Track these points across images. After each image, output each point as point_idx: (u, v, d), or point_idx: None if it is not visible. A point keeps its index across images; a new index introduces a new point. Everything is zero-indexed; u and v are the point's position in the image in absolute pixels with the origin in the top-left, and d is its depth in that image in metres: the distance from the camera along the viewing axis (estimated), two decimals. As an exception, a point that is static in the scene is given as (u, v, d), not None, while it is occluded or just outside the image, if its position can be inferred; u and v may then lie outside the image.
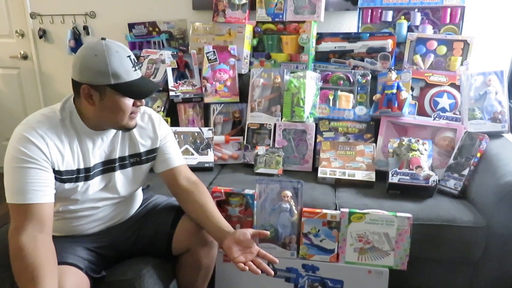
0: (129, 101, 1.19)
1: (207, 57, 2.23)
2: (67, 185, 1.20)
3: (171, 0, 2.51)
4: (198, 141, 2.10)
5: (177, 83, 2.26)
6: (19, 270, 1.06)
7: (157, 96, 2.28)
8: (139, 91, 1.19)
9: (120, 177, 1.32)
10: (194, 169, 1.94)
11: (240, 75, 2.28)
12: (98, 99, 1.16)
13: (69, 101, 1.22)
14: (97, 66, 1.13)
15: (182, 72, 2.31)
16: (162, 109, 2.25)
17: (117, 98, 1.16)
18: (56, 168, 1.16)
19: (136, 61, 1.20)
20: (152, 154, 1.38)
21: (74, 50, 2.62)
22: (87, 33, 2.63)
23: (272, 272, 1.22)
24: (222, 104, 2.24)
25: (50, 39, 2.73)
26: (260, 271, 1.20)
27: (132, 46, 2.51)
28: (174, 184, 1.40)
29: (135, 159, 1.35)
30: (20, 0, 2.66)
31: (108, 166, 1.29)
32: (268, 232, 1.30)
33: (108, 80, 1.13)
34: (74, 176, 1.21)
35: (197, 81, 2.28)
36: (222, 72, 2.23)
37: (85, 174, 1.23)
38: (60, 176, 1.17)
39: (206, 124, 2.26)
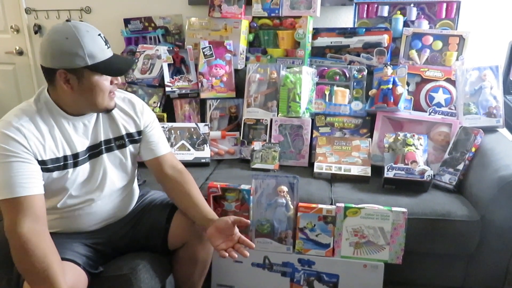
0: (106, 80, 1.19)
1: (203, 52, 2.22)
2: (56, 174, 1.19)
3: (167, -5, 2.50)
4: (195, 137, 2.10)
5: (173, 79, 2.26)
6: (27, 264, 1.06)
7: (153, 91, 2.28)
8: (117, 68, 1.20)
9: (108, 161, 1.32)
10: (191, 164, 1.98)
11: (236, 71, 2.28)
12: (76, 83, 1.15)
13: (43, 92, 1.22)
14: (71, 49, 1.11)
15: (178, 67, 2.31)
16: (158, 105, 2.25)
17: (96, 79, 1.16)
18: (39, 158, 1.15)
19: (106, 39, 1.20)
20: (136, 137, 1.38)
21: (69, 45, 2.61)
22: (83, 29, 2.61)
23: (247, 254, 1.26)
24: (218, 100, 2.24)
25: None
26: (236, 255, 1.25)
27: (128, 42, 2.50)
28: (160, 172, 1.41)
29: (120, 141, 1.34)
30: (15, -5, 2.65)
31: (95, 151, 1.29)
32: (248, 221, 1.32)
33: (85, 61, 1.13)
34: (61, 164, 1.20)
35: (193, 76, 2.28)
36: (218, 68, 2.23)
37: (73, 160, 1.23)
38: (45, 165, 1.16)
39: (203, 119, 2.26)
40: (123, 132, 1.34)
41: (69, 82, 1.15)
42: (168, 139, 2.07)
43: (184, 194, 1.37)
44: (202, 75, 2.22)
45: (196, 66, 2.27)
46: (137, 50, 2.38)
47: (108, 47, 1.18)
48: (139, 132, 1.38)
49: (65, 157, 1.21)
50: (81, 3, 2.59)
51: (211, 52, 2.23)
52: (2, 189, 1.10)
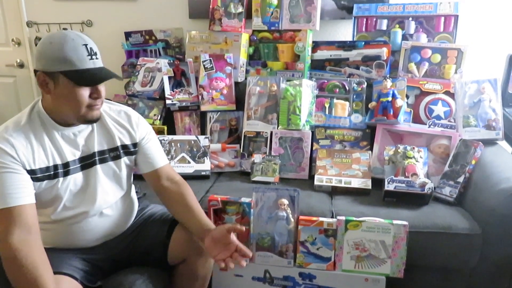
0: (83, 91, 1.17)
1: (204, 65, 2.24)
2: (46, 183, 1.19)
3: (168, 9, 2.52)
4: (195, 149, 2.10)
5: (173, 91, 2.27)
6: (17, 274, 1.06)
7: (153, 104, 2.29)
8: (88, 78, 1.17)
9: (101, 172, 1.31)
10: (191, 177, 1.98)
11: (236, 83, 2.29)
12: (53, 87, 1.16)
13: (37, 103, 1.24)
14: (51, 52, 1.13)
15: (178, 80, 2.32)
16: (159, 118, 2.26)
17: (71, 86, 1.15)
18: (28, 168, 1.15)
19: (95, 50, 1.19)
20: (132, 149, 1.38)
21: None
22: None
23: (244, 264, 1.26)
24: (219, 112, 2.25)
25: (47, 47, 2.72)
26: (232, 265, 1.24)
27: (129, 55, 2.52)
28: (157, 184, 1.42)
29: (115, 153, 1.34)
30: (16, 9, 2.67)
31: (87, 162, 1.28)
32: (243, 228, 1.29)
33: (60, 66, 1.13)
34: (52, 173, 1.20)
35: (194, 89, 2.29)
36: (219, 80, 2.24)
37: (64, 169, 1.23)
38: (34, 175, 1.16)
39: (203, 132, 2.26)
40: (118, 144, 1.34)
41: (47, 85, 1.16)
42: (168, 151, 2.07)
43: (182, 206, 1.38)
44: (202, 87, 2.23)
45: (197, 79, 2.28)
46: (138, 63, 2.40)
47: (91, 59, 1.16)
48: (135, 145, 1.38)
49: (55, 166, 1.21)
50: (83, 16, 2.61)
51: (211, 65, 2.24)
52: None
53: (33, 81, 2.81)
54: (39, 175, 1.18)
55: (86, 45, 1.16)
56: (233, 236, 1.27)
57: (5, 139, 1.13)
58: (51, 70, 1.14)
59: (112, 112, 1.36)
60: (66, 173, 1.23)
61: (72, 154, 1.25)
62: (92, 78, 1.17)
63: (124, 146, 1.36)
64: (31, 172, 1.16)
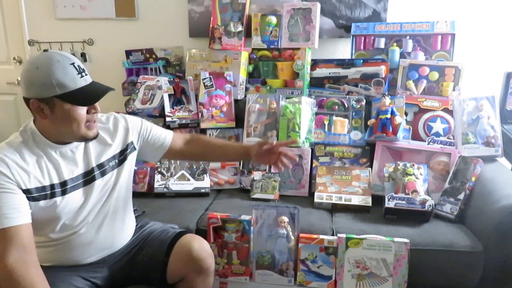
0: (81, 110, 1.17)
1: (204, 83, 2.25)
2: (43, 203, 1.18)
3: (168, 28, 2.56)
4: (194, 167, 2.09)
5: (173, 109, 2.28)
6: None
7: (153, 121, 2.27)
8: (87, 97, 1.17)
9: (102, 185, 1.31)
10: (190, 194, 1.97)
11: (236, 101, 2.30)
12: (49, 112, 1.16)
13: (29, 124, 1.23)
14: (40, 78, 1.12)
15: (178, 98, 2.33)
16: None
17: (68, 108, 1.15)
18: (24, 187, 1.14)
19: (82, 67, 1.18)
20: (127, 151, 1.38)
21: (71, 76, 2.65)
22: (85, 60, 2.65)
23: (296, 158, 1.60)
24: (218, 130, 2.25)
25: (48, 65, 2.75)
26: (291, 165, 1.52)
27: (129, 73, 2.54)
28: (178, 154, 1.57)
29: (113, 161, 1.34)
30: (18, 27, 2.70)
31: (88, 178, 1.28)
32: (272, 141, 1.50)
33: (54, 91, 1.13)
34: (48, 192, 1.19)
35: (194, 106, 2.30)
36: (218, 98, 2.25)
37: (61, 188, 1.21)
38: (30, 194, 1.15)
39: (202, 149, 2.26)
40: (114, 152, 1.34)
41: (43, 111, 1.16)
42: (168, 169, 2.06)
43: (210, 151, 1.56)
44: (202, 105, 2.24)
45: (197, 96, 2.30)
46: (138, 81, 2.41)
47: (81, 76, 1.16)
48: (131, 142, 1.39)
49: (51, 186, 1.20)
50: (84, 35, 2.64)
51: (211, 82, 2.26)
52: None
53: (33, 99, 2.82)
54: (35, 195, 1.16)
55: (73, 63, 1.16)
56: (273, 141, 1.52)
57: (0, 159, 1.12)
58: (45, 96, 1.14)
59: (102, 121, 1.36)
60: (63, 192, 1.22)
61: (70, 172, 1.24)
62: (88, 96, 1.17)
63: (121, 153, 1.36)
64: (26, 192, 1.14)
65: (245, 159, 1.59)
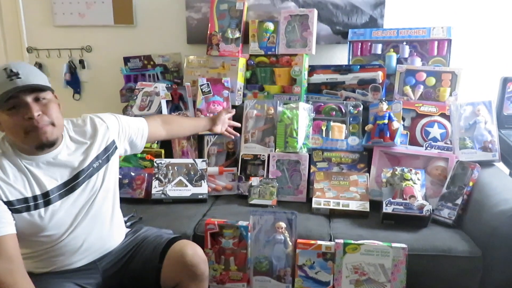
0: (13, 116, 1.12)
1: (201, 89, 2.26)
2: (26, 214, 1.17)
3: (166, 35, 2.57)
4: (192, 173, 2.09)
5: (171, 115, 2.28)
6: None
7: (151, 128, 2.29)
8: (2, 100, 1.10)
9: (87, 187, 1.30)
10: (188, 200, 1.97)
11: (234, 107, 2.30)
12: (0, 122, 1.16)
13: (5, 136, 1.22)
14: None
15: (176, 104, 2.34)
16: (156, 141, 2.26)
17: (4, 116, 1.13)
18: (5, 199, 1.13)
19: (16, 71, 1.12)
20: (110, 150, 1.38)
21: (69, 83, 2.66)
22: (83, 67, 2.66)
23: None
24: (216, 136, 2.25)
25: (46, 72, 2.75)
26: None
27: (127, 79, 2.54)
28: (156, 138, 1.91)
29: (97, 162, 1.33)
30: (17, 34, 2.71)
31: (73, 183, 1.26)
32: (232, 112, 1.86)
33: None
34: (32, 204, 1.18)
35: (191, 113, 2.30)
36: (216, 104, 2.26)
37: (44, 199, 1.20)
38: (12, 206, 1.15)
39: (200, 155, 2.26)
40: (97, 152, 1.34)
41: None
42: (166, 175, 2.06)
43: (177, 129, 1.80)
44: (200, 111, 2.25)
45: (194, 102, 2.30)
46: (136, 87, 2.42)
47: (11, 80, 1.10)
48: (111, 144, 1.38)
49: (34, 197, 1.19)
50: (82, 42, 2.65)
51: (209, 89, 2.26)
52: None
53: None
54: (17, 206, 1.15)
55: (6, 68, 1.12)
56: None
57: None
58: None
59: (76, 126, 1.35)
60: (47, 203, 1.21)
61: (52, 182, 1.23)
62: (5, 97, 1.11)
63: (104, 151, 1.35)
64: (8, 204, 1.14)
65: (209, 127, 1.93)
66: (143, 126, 1.56)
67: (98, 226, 1.34)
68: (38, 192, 1.20)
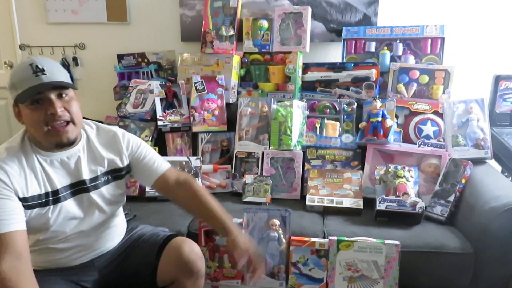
0: (35, 111, 1.14)
1: (195, 87, 2.26)
2: (37, 210, 1.18)
3: (160, 32, 2.56)
4: (186, 170, 2.09)
5: (165, 113, 2.28)
6: None
7: (145, 125, 2.29)
8: (27, 95, 1.12)
9: (95, 199, 1.30)
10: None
11: (228, 105, 2.30)
12: (21, 115, 1.17)
13: (27, 129, 1.23)
14: (8, 82, 1.16)
15: (170, 101, 2.33)
16: (150, 139, 2.25)
17: (25, 110, 1.15)
18: (21, 196, 1.14)
19: (41, 67, 1.13)
20: (123, 172, 1.37)
21: (62, 80, 2.64)
22: (76, 64, 2.64)
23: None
24: (210, 133, 2.25)
25: (39, 70, 2.74)
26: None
27: (121, 77, 2.53)
28: (167, 190, 1.43)
29: (106, 177, 1.33)
30: (9, 32, 2.69)
31: (78, 188, 1.27)
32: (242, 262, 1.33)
33: (14, 93, 1.14)
34: (43, 201, 1.19)
35: (185, 110, 2.30)
36: (210, 102, 2.25)
37: (54, 197, 1.21)
38: (26, 202, 1.15)
39: (194, 153, 2.26)
40: (109, 168, 1.33)
41: (19, 115, 1.18)
42: (160, 173, 2.05)
43: (196, 206, 1.39)
44: (194, 109, 2.24)
45: (188, 100, 2.30)
46: (130, 85, 2.41)
47: (36, 76, 1.12)
48: (126, 166, 1.37)
49: (46, 194, 1.20)
50: (75, 39, 2.64)
51: (203, 86, 2.26)
52: None
53: (24, 103, 2.81)
54: (31, 203, 1.16)
55: (31, 64, 1.14)
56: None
57: None
58: (14, 100, 1.16)
59: (100, 134, 1.35)
60: (56, 201, 1.22)
61: (61, 181, 1.23)
62: (30, 92, 1.12)
63: (115, 170, 1.35)
64: (23, 200, 1.15)
65: (222, 235, 1.40)
66: (162, 165, 1.42)
67: (100, 228, 1.35)
68: (49, 189, 1.21)
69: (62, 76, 1.18)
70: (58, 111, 1.14)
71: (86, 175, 1.28)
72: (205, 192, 1.41)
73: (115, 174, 1.35)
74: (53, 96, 1.15)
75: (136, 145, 1.40)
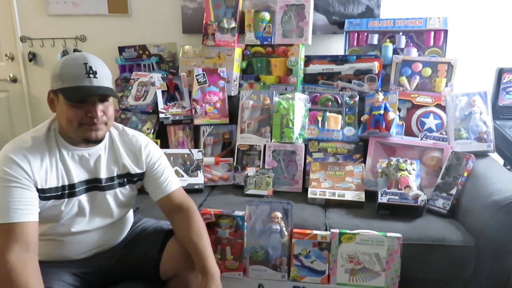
0: (76, 108, 1.15)
1: (197, 79, 2.25)
2: (51, 202, 1.19)
3: (162, 24, 2.54)
4: (188, 163, 2.09)
5: (167, 105, 2.27)
6: None
7: (146, 118, 2.28)
8: (77, 94, 1.15)
9: (108, 198, 1.31)
10: (184, 190, 1.96)
11: (229, 97, 2.30)
12: (56, 104, 1.19)
13: (56, 119, 1.24)
14: (54, 71, 1.17)
15: (172, 94, 2.32)
16: (152, 131, 2.25)
17: (65, 103, 1.16)
18: (40, 187, 1.15)
19: (95, 69, 1.17)
20: (136, 178, 1.37)
21: (64, 73, 2.63)
22: (77, 56, 2.63)
23: None
24: (212, 126, 2.25)
25: (40, 62, 2.73)
26: None
27: (122, 69, 2.53)
28: (168, 210, 1.41)
29: (122, 180, 1.34)
30: (10, 24, 2.67)
31: (92, 185, 1.28)
32: None
33: (59, 83, 1.15)
34: (59, 193, 1.20)
35: (187, 103, 2.29)
36: (212, 94, 2.25)
37: (69, 190, 1.22)
38: (44, 194, 1.16)
39: (196, 145, 2.26)
40: (124, 171, 1.34)
41: (53, 103, 1.20)
42: (162, 165, 2.05)
43: (187, 241, 1.34)
44: (195, 101, 2.24)
45: (190, 93, 2.29)
46: (131, 77, 2.40)
47: (88, 77, 1.15)
48: (142, 173, 1.37)
49: (63, 187, 1.21)
50: (76, 31, 2.62)
51: (204, 79, 2.25)
52: None
53: (26, 96, 2.80)
54: (47, 194, 1.18)
55: (86, 63, 1.16)
56: None
57: (23, 155, 1.14)
58: (54, 88, 1.17)
59: (124, 138, 1.35)
60: (71, 195, 1.23)
61: (78, 176, 1.24)
62: (80, 94, 1.15)
63: (129, 174, 1.35)
64: (40, 191, 1.16)
65: (200, 274, 1.30)
66: (171, 183, 1.42)
67: (108, 226, 1.35)
68: (66, 182, 1.22)
69: (109, 81, 1.22)
70: (98, 115, 1.18)
71: (103, 174, 1.29)
72: (201, 227, 1.38)
73: (129, 178, 1.36)
74: (97, 100, 1.18)
75: (155, 159, 1.40)
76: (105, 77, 1.20)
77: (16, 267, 1.05)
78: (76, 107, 1.16)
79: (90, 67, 1.16)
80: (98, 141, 1.24)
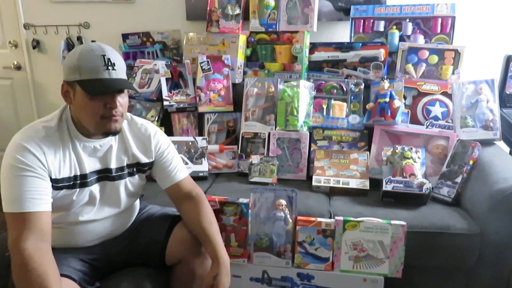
0: (97, 100, 1.15)
1: (201, 67, 2.24)
2: (63, 192, 1.20)
3: (165, 11, 2.53)
4: (192, 151, 2.09)
5: (171, 93, 2.27)
6: (26, 281, 1.04)
7: (151, 106, 2.28)
8: (98, 88, 1.14)
9: (118, 188, 1.32)
10: (188, 178, 1.97)
11: (234, 85, 2.29)
12: (72, 96, 1.17)
13: (66, 108, 1.23)
14: (70, 62, 1.15)
15: (176, 82, 2.31)
16: (156, 119, 2.25)
17: (84, 96, 1.15)
18: (53, 176, 1.16)
19: (113, 61, 1.16)
20: (146, 167, 1.38)
21: (67, 60, 2.63)
22: (81, 44, 2.62)
23: None
24: (216, 114, 2.24)
25: (44, 49, 2.72)
26: None
27: (126, 56, 2.52)
28: (176, 198, 1.42)
29: (131, 169, 1.34)
30: (13, 11, 2.66)
31: (103, 175, 1.28)
32: None
33: (76, 75, 1.14)
34: (71, 183, 1.21)
35: (191, 90, 2.28)
36: (216, 82, 2.24)
37: (81, 181, 1.23)
38: (56, 184, 1.17)
39: (200, 133, 2.26)
40: (134, 161, 1.34)
41: (69, 95, 1.18)
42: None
43: (196, 228, 1.36)
44: (200, 89, 2.23)
45: (194, 80, 2.28)
46: (135, 65, 2.39)
47: (107, 69, 1.14)
48: (151, 162, 1.38)
49: (75, 177, 1.22)
50: (80, 18, 2.61)
51: (209, 66, 2.24)
52: (11, 203, 1.09)
53: (30, 84, 2.81)
54: (60, 184, 1.18)
55: (104, 55, 1.14)
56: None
57: (37, 144, 1.13)
58: (70, 80, 1.16)
59: (133, 127, 1.35)
60: (83, 185, 1.23)
61: (90, 166, 1.25)
62: (101, 87, 1.14)
63: (140, 164, 1.35)
64: (54, 181, 1.16)
65: (212, 261, 1.33)
66: (180, 172, 1.43)
67: (116, 216, 1.36)
68: (78, 172, 1.22)
69: (124, 72, 1.21)
70: (118, 107, 1.18)
71: (113, 164, 1.29)
72: (210, 214, 1.39)
73: (138, 167, 1.36)
74: (115, 91, 1.17)
75: (163, 148, 1.40)
76: (122, 70, 1.19)
77: (33, 256, 1.05)
78: (95, 100, 1.15)
79: (109, 59, 1.15)
80: (116, 133, 1.24)
